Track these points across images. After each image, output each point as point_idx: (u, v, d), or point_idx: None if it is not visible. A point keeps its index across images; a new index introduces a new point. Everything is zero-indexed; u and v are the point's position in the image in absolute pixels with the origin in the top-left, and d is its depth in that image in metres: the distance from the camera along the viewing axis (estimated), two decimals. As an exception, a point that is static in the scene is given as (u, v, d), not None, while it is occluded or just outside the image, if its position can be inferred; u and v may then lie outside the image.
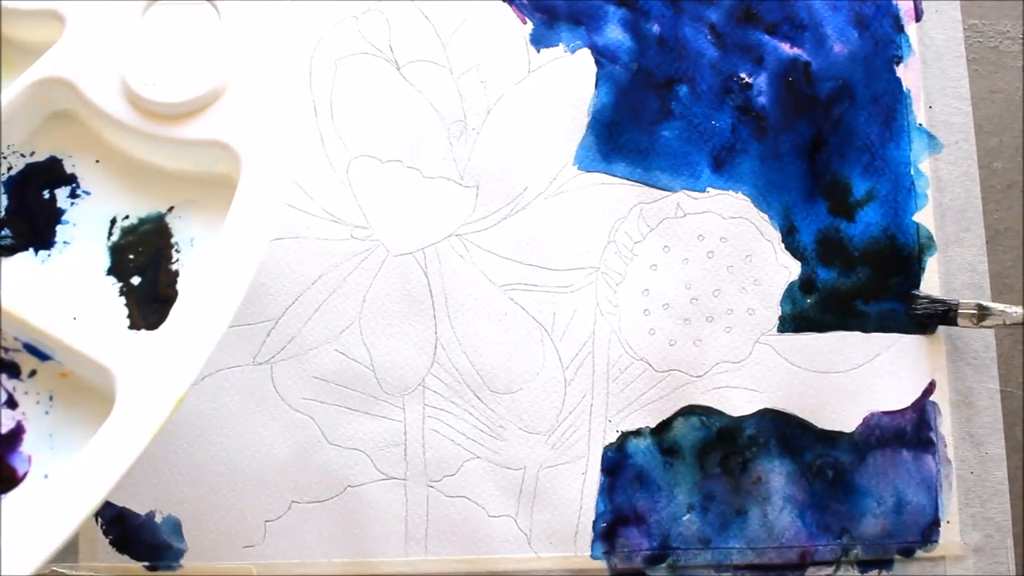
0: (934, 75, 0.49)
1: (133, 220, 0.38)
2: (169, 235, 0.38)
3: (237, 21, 0.39)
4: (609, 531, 0.45)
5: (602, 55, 0.48)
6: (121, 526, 0.45)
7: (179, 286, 0.37)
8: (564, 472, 0.45)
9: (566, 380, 0.46)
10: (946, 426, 0.47)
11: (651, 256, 0.47)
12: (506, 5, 0.48)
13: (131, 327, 0.37)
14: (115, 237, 0.38)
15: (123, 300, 0.37)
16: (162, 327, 0.36)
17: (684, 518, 0.45)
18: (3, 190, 0.39)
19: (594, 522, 0.45)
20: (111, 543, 0.45)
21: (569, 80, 0.48)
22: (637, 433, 0.46)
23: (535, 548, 0.45)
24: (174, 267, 0.38)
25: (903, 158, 0.48)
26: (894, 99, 0.49)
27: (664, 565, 0.45)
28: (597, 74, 0.48)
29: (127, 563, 0.44)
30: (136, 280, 0.38)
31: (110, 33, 0.38)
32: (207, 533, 0.45)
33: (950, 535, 0.46)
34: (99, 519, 0.45)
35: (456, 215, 0.47)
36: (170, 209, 0.39)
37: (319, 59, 0.48)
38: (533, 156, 0.47)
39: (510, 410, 0.46)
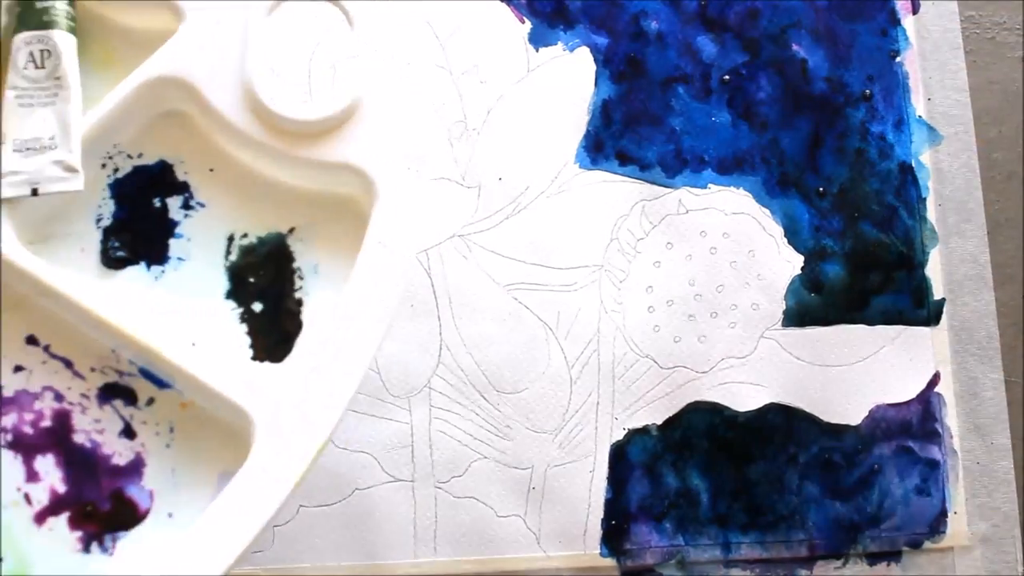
0: (932, 67, 0.49)
1: (252, 239, 0.35)
2: (291, 259, 0.35)
3: (370, 30, 0.35)
4: (618, 528, 0.45)
5: (601, 53, 0.48)
6: (129, 534, 0.45)
7: (304, 316, 0.34)
8: (572, 471, 0.45)
9: (572, 379, 0.46)
10: (951, 417, 0.47)
11: (654, 253, 0.47)
12: (504, 5, 0.48)
13: (254, 357, 0.34)
14: (233, 257, 0.35)
15: (244, 328, 0.34)
16: (288, 361, 0.33)
17: (692, 514, 0.45)
18: (110, 194, 0.35)
19: (603, 520, 0.45)
20: (119, 551, 0.44)
21: (569, 79, 0.48)
22: (644, 430, 0.46)
23: (544, 547, 0.45)
24: (298, 295, 0.35)
25: (903, 150, 0.48)
26: (892, 92, 0.49)
27: (674, 561, 0.45)
28: (596, 72, 0.48)
29: (135, 571, 0.44)
30: (258, 307, 0.34)
31: (231, 32, 0.34)
32: (215, 539, 0.45)
33: (958, 526, 0.46)
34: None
35: (458, 216, 0.47)
36: (291, 230, 0.35)
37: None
38: (534, 155, 0.47)
39: (516, 410, 0.46)
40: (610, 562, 0.45)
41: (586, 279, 0.47)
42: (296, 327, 0.34)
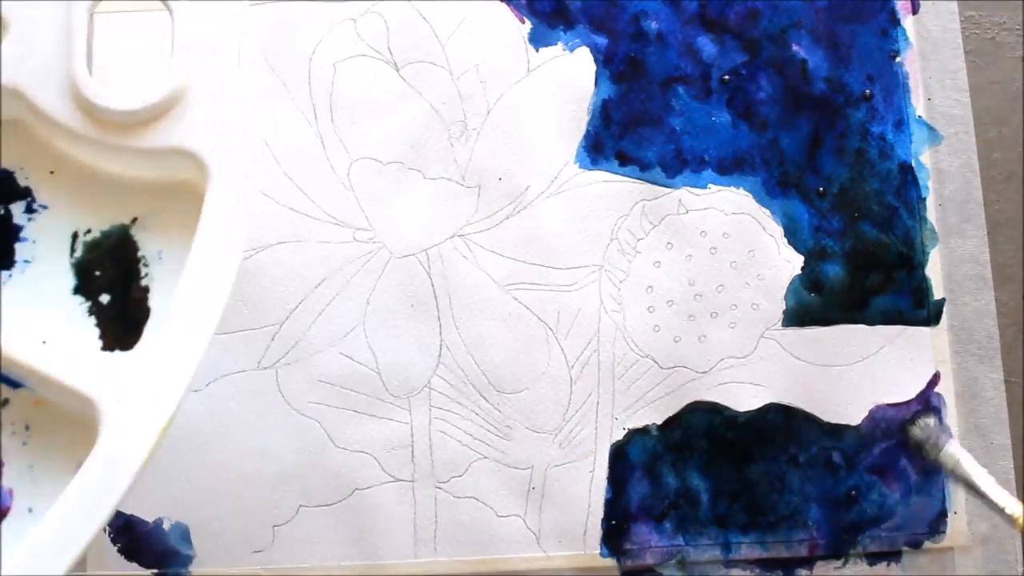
0: (932, 67, 0.49)
1: (96, 234, 0.36)
2: (135, 249, 0.36)
3: (191, 22, 0.36)
4: (618, 528, 0.45)
5: (601, 53, 0.48)
6: (129, 534, 0.44)
7: (151, 303, 0.35)
8: (572, 471, 0.45)
9: (572, 379, 0.46)
10: (951, 417, 0.47)
11: (654, 253, 0.47)
12: (504, 5, 0.48)
13: (104, 348, 0.35)
14: (78, 253, 0.36)
15: (93, 320, 0.35)
16: (137, 347, 0.34)
17: (692, 514, 0.45)
18: None
19: (603, 520, 0.45)
20: (119, 551, 0.44)
21: (569, 78, 0.48)
22: (644, 430, 0.46)
23: (544, 547, 0.45)
24: (144, 283, 0.36)
25: (903, 150, 0.48)
26: (892, 92, 0.49)
27: (674, 561, 0.45)
28: (596, 72, 0.48)
29: (136, 570, 0.44)
30: (105, 298, 0.35)
31: (57, 37, 0.35)
32: (215, 539, 0.45)
33: (958, 526, 0.46)
34: (107, 528, 0.44)
35: (458, 216, 0.47)
36: (134, 221, 0.36)
37: (318, 62, 0.48)
38: (534, 155, 0.47)
39: (516, 410, 0.46)
40: (610, 562, 0.45)
41: (586, 279, 0.47)
42: (144, 314, 0.35)
